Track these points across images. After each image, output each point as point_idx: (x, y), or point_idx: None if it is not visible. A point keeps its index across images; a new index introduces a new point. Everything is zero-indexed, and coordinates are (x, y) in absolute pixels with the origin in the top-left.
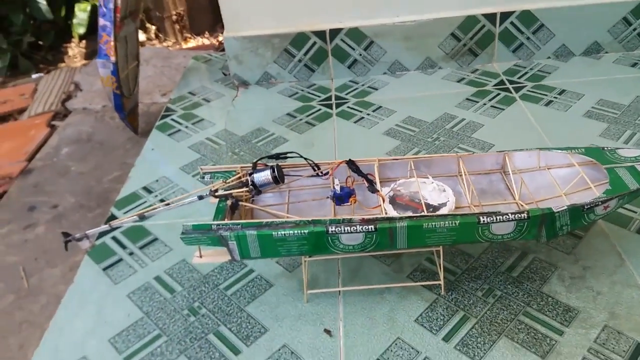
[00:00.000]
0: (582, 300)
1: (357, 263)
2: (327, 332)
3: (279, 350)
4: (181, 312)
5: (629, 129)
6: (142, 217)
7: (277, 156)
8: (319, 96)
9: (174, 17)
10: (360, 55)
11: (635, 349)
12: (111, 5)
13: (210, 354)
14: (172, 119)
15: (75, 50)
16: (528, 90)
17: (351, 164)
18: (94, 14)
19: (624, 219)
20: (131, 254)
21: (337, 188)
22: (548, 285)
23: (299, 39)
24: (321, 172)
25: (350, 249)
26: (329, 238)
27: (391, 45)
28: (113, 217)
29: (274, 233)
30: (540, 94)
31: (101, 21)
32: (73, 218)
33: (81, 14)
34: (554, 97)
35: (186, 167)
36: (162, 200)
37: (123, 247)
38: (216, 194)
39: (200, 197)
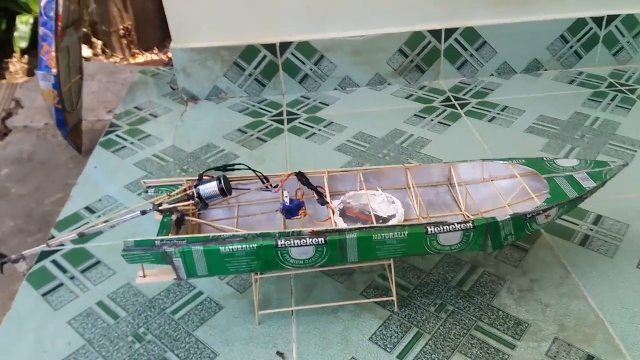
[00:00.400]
0: (531, 313)
1: (310, 281)
2: (280, 354)
3: None
4: (125, 338)
5: (568, 143)
6: (81, 235)
7: (225, 168)
8: (270, 111)
9: (121, 32)
10: (311, 69)
11: None
12: (52, 14)
13: None
14: (117, 135)
15: (17, 65)
16: (472, 107)
17: (301, 176)
18: (36, 27)
19: (567, 232)
20: (72, 277)
21: (287, 200)
22: (498, 299)
23: (249, 52)
24: (270, 185)
25: (300, 264)
26: (279, 252)
27: (341, 60)
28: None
29: (221, 248)
30: (484, 110)
31: (41, 30)
32: (12, 243)
33: (23, 26)
34: (497, 114)
35: (131, 185)
36: (106, 221)
37: (64, 270)
38: (160, 208)
39: (143, 212)
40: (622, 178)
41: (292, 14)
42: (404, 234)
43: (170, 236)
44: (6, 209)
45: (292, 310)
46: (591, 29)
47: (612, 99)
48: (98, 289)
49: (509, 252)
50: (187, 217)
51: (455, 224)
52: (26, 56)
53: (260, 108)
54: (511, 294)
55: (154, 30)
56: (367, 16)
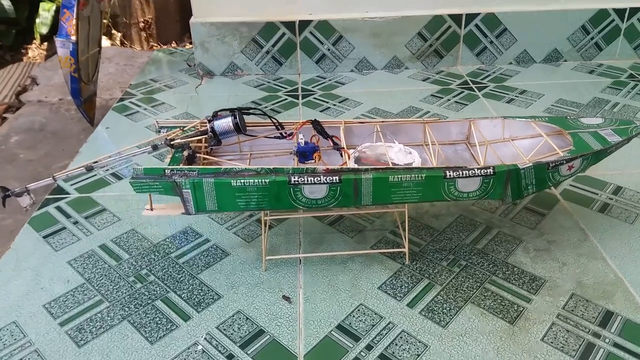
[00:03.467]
0: (548, 270)
1: (319, 235)
2: (286, 298)
3: (233, 316)
4: (126, 279)
5: None
6: (89, 169)
7: (240, 109)
8: (285, 87)
9: (141, 24)
10: (329, 50)
11: (605, 315)
12: None
13: (157, 319)
14: (131, 102)
15: (35, 52)
16: (490, 90)
17: (316, 124)
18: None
19: (586, 200)
20: (75, 222)
21: (301, 142)
22: (513, 257)
23: (268, 29)
24: (285, 132)
25: (313, 204)
26: (291, 189)
27: (360, 41)
28: (60, 190)
29: (232, 181)
30: (502, 92)
31: None
32: (16, 203)
33: (45, 13)
34: (515, 96)
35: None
36: (113, 175)
37: (67, 216)
38: (172, 142)
39: (155, 147)
40: None
41: None
42: (421, 177)
43: (181, 166)
44: (13, 172)
45: (299, 258)
46: (613, 20)
47: (633, 88)
48: (102, 234)
49: (525, 216)
50: (198, 154)
51: (475, 169)
52: (45, 43)
53: (275, 85)
54: (527, 253)
55: (173, 25)
56: None
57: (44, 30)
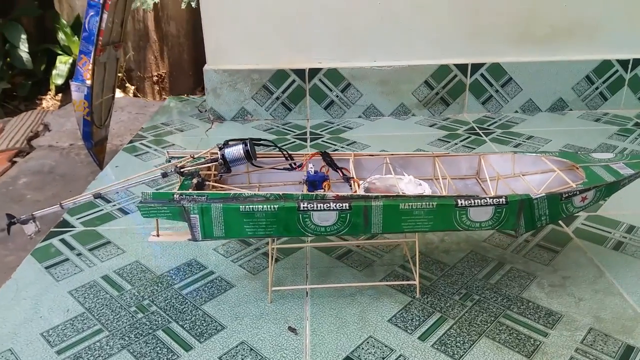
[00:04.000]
0: (564, 305)
1: (327, 268)
2: (292, 330)
3: (237, 347)
4: (128, 309)
5: None
6: (97, 196)
7: (251, 140)
8: (293, 132)
9: (155, 78)
10: (337, 96)
11: (626, 349)
12: (95, 28)
13: (157, 349)
14: (141, 143)
15: (50, 102)
16: (497, 135)
17: (326, 156)
18: (74, 67)
19: (599, 238)
20: (79, 254)
21: (311, 171)
22: (527, 292)
23: (279, 76)
24: (294, 164)
25: (322, 231)
26: (300, 216)
27: (367, 88)
28: (65, 223)
29: (241, 207)
30: (509, 138)
31: (83, 43)
32: (19, 240)
33: (62, 65)
34: (523, 141)
35: (152, 182)
36: (120, 210)
37: (71, 248)
38: (182, 169)
39: (164, 175)
40: None
41: (324, 42)
42: (432, 205)
43: (190, 191)
44: (19, 212)
45: (306, 290)
46: (617, 71)
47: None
48: (105, 265)
49: (538, 252)
50: (207, 183)
51: (487, 199)
52: (60, 94)
53: (284, 129)
54: (542, 288)
55: (186, 79)
56: (395, 48)
57: (60, 81)
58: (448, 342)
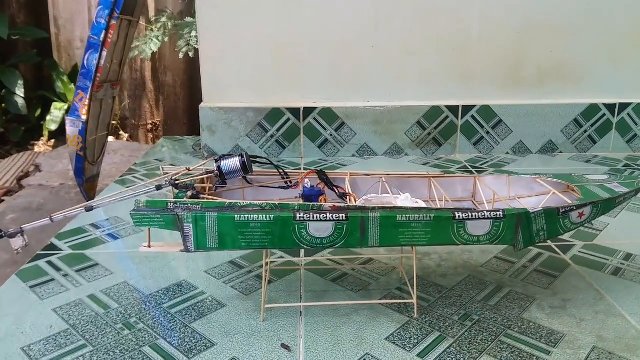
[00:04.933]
0: (565, 325)
1: (322, 291)
2: (285, 347)
3: None
4: (114, 326)
5: None
6: (89, 209)
7: (247, 155)
8: (288, 167)
9: (149, 127)
10: (331, 135)
11: None
12: (94, 65)
13: None
14: (134, 176)
15: (42, 148)
16: (489, 174)
17: (322, 174)
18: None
19: (597, 264)
20: (65, 275)
21: (307, 185)
22: (528, 313)
23: (274, 114)
24: (290, 182)
25: (318, 244)
26: (296, 227)
27: (361, 128)
28: (53, 247)
29: (236, 216)
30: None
31: (80, 79)
32: (2, 273)
33: (57, 112)
34: None
35: (145, 196)
36: (110, 235)
37: (57, 269)
38: (177, 182)
39: (159, 187)
40: None
41: (319, 82)
42: (430, 217)
43: (185, 199)
44: (4, 245)
45: (300, 309)
46: (604, 115)
47: (631, 173)
48: (92, 285)
49: (537, 277)
50: (202, 195)
51: (485, 212)
52: (53, 140)
53: (278, 165)
54: (542, 310)
55: (180, 127)
56: (389, 88)
57: (53, 127)
58: (448, 359)
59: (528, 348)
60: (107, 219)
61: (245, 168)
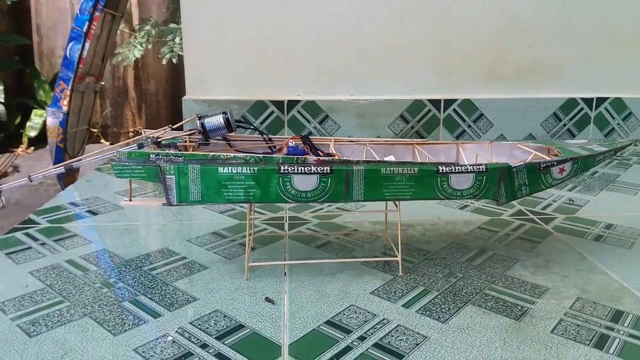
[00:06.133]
0: (549, 280)
1: (307, 255)
2: (269, 300)
3: (210, 314)
4: (92, 285)
5: (570, 183)
6: (69, 169)
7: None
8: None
9: (131, 134)
10: (315, 128)
11: (616, 314)
12: (76, 56)
13: (123, 316)
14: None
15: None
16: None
17: (306, 139)
18: None
19: (579, 232)
20: (43, 244)
21: (292, 144)
22: (511, 271)
23: (258, 107)
24: (274, 147)
25: (302, 197)
26: (280, 179)
27: (345, 121)
28: (31, 221)
29: (220, 169)
30: None
31: (62, 70)
32: None
33: (37, 118)
34: None
35: (123, 191)
36: (90, 211)
37: (35, 239)
38: (159, 140)
39: (141, 146)
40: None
41: (302, 76)
42: (414, 170)
43: (167, 151)
44: None
45: (285, 268)
46: (582, 109)
47: (609, 162)
48: (70, 252)
49: (520, 243)
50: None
51: (468, 166)
52: (32, 148)
53: None
54: (525, 269)
55: None
56: (372, 82)
57: (33, 133)
58: (433, 308)
59: (512, 299)
60: (87, 199)
61: (229, 125)
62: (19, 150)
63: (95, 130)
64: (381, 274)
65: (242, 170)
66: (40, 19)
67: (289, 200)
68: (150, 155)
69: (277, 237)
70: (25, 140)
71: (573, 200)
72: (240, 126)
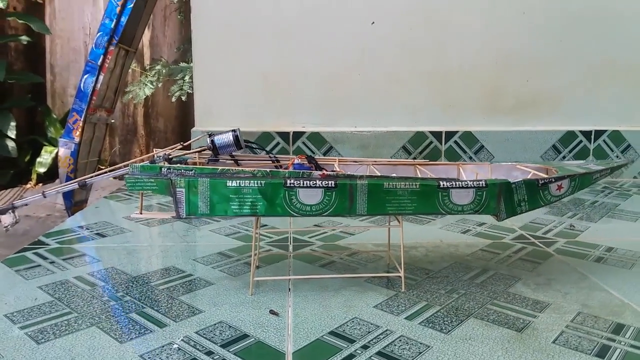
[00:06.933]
0: (550, 297)
1: (311, 273)
2: (274, 313)
3: (215, 325)
4: (100, 298)
5: (570, 211)
6: (82, 185)
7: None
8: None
9: None
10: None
11: (617, 327)
12: (90, 88)
13: (130, 326)
14: (124, 193)
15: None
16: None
17: (311, 160)
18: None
19: (580, 254)
20: (52, 262)
21: (297, 161)
22: (513, 289)
23: (264, 138)
24: (280, 166)
25: (307, 211)
26: (287, 193)
27: (348, 151)
28: (40, 242)
29: (228, 182)
30: None
31: (76, 101)
32: None
33: (47, 155)
34: None
35: (134, 218)
36: (98, 234)
37: (44, 258)
38: (169, 157)
39: (152, 162)
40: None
41: (308, 108)
42: (415, 185)
43: (178, 165)
44: None
45: (289, 284)
46: (581, 141)
47: (610, 192)
48: (78, 270)
49: (521, 263)
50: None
51: (468, 182)
52: (40, 184)
53: None
54: (527, 286)
55: None
56: (375, 115)
57: (42, 170)
58: (435, 320)
59: (514, 313)
60: (96, 223)
61: (238, 142)
62: (28, 186)
63: (103, 167)
64: (384, 290)
65: (249, 184)
66: (54, 58)
67: (294, 214)
68: (162, 168)
69: (281, 257)
70: (34, 176)
71: (574, 226)
72: (248, 146)
